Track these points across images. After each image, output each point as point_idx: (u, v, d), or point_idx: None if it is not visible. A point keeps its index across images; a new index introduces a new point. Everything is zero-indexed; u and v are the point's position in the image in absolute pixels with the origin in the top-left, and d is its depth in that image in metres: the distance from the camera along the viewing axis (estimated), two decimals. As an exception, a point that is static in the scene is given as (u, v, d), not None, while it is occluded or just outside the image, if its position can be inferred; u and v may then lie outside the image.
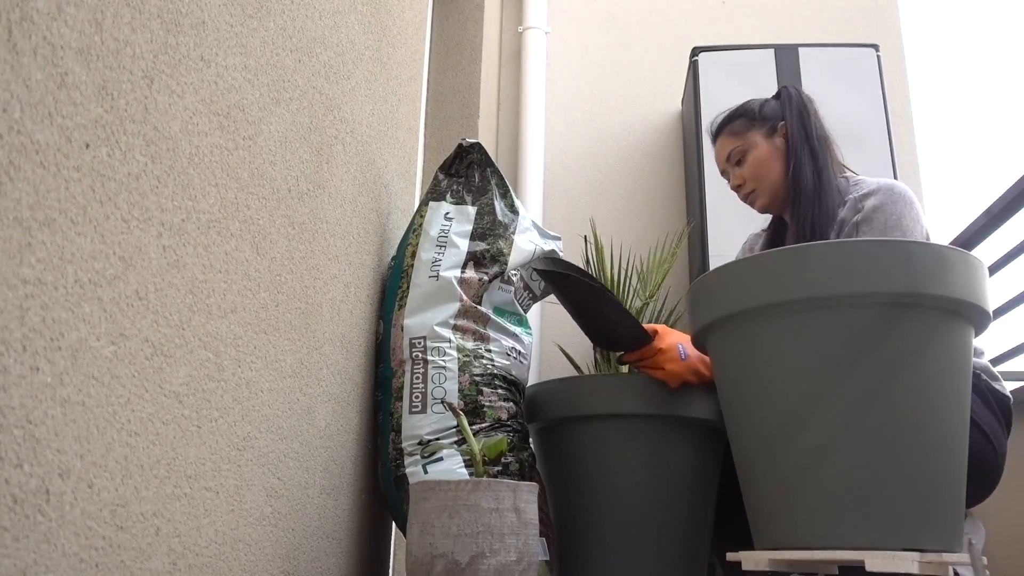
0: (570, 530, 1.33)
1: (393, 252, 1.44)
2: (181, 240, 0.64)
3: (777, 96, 1.62)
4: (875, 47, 2.43)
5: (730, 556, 1.00)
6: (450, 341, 1.23)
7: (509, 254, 1.32)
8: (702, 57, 2.46)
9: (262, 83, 0.80)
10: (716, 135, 1.63)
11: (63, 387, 0.48)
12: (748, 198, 1.58)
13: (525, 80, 2.75)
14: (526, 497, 0.89)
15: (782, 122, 1.54)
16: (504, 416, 1.23)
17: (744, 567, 0.97)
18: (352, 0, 1.15)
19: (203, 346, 0.68)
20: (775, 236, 1.61)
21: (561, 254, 1.43)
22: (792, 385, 0.95)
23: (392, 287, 1.31)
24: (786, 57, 2.38)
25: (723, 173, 1.63)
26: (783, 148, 1.54)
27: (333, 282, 1.06)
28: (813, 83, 2.32)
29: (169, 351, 0.62)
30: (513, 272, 1.33)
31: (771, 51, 2.40)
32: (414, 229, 1.33)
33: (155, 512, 0.60)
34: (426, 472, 1.17)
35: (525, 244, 1.34)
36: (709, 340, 1.09)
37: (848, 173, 1.52)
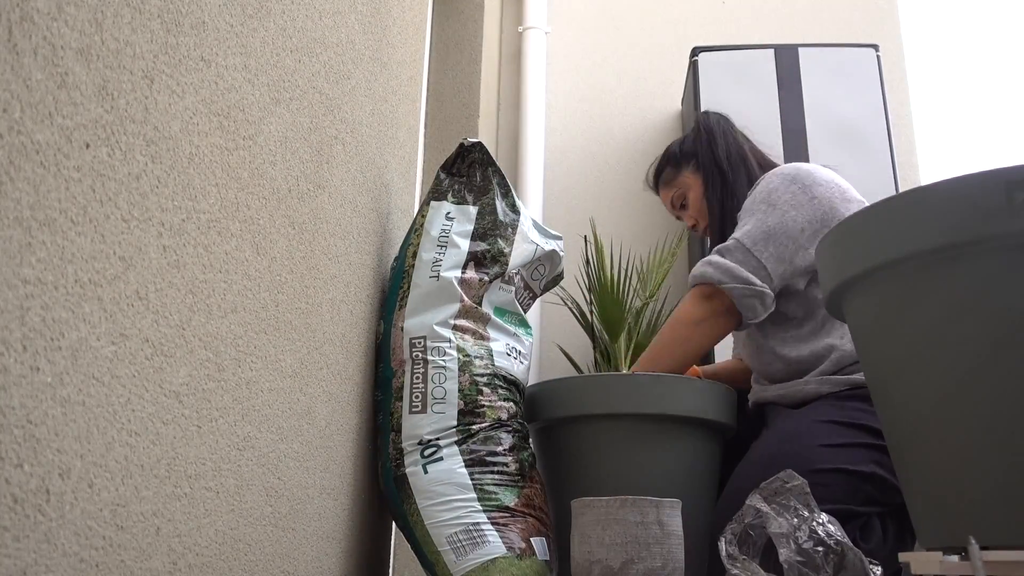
0: (570, 530, 1.33)
1: (394, 252, 1.44)
2: (181, 240, 0.64)
3: (697, 128, 1.66)
4: (875, 47, 2.43)
5: (902, 557, 0.88)
6: (450, 341, 1.23)
7: (510, 254, 1.31)
8: (702, 57, 2.46)
9: (262, 83, 0.80)
10: (656, 188, 1.69)
11: (63, 387, 0.48)
12: (704, 233, 1.63)
13: (525, 80, 2.75)
14: (668, 512, 1.00)
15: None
16: (504, 416, 1.23)
17: (914, 571, 0.85)
18: (352, 0, 1.15)
19: (203, 346, 0.68)
20: None
21: (562, 254, 1.43)
22: (972, 343, 0.79)
23: (394, 287, 1.31)
24: (786, 57, 2.38)
25: (678, 218, 1.69)
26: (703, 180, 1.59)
27: (333, 282, 1.06)
28: (813, 83, 2.32)
29: (169, 351, 0.62)
30: (514, 272, 1.33)
31: (771, 51, 2.40)
32: (415, 229, 1.33)
33: (155, 512, 0.60)
34: (426, 472, 1.17)
35: (526, 244, 1.34)
36: (846, 300, 0.94)
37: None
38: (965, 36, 2.96)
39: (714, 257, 1.38)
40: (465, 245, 1.29)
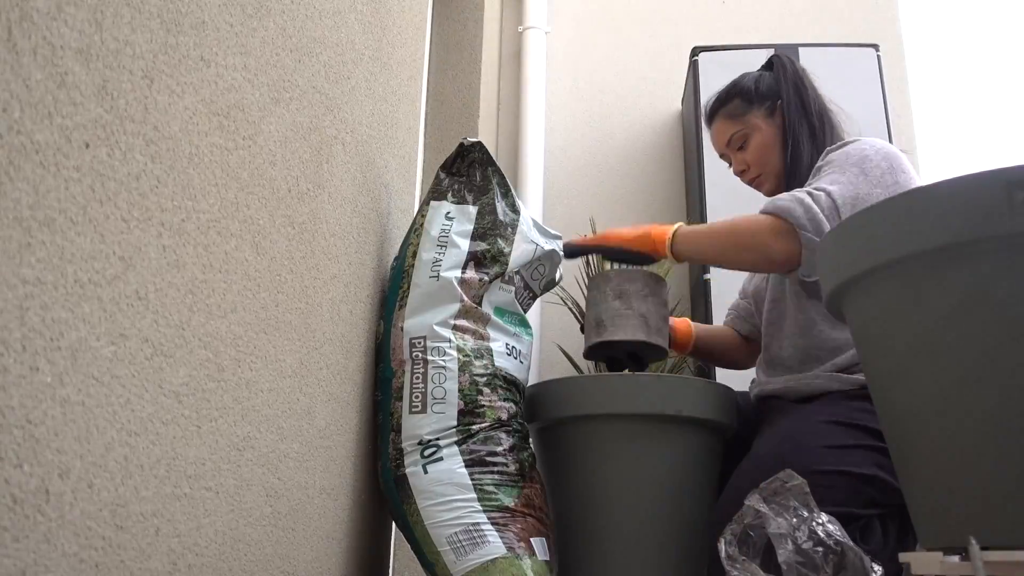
0: (570, 530, 1.33)
1: (394, 252, 1.44)
2: (181, 240, 0.64)
3: (769, 67, 1.53)
4: (875, 47, 2.43)
5: (902, 557, 0.88)
6: (450, 341, 1.23)
7: (510, 254, 1.31)
8: (702, 57, 2.46)
9: (262, 83, 0.80)
10: (711, 117, 1.54)
11: (63, 387, 0.48)
12: (754, 183, 1.51)
13: (525, 80, 2.75)
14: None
15: (780, 100, 1.47)
16: (504, 416, 1.23)
17: (914, 571, 0.85)
18: (352, 0, 1.15)
19: (203, 346, 0.68)
20: None
21: (561, 254, 1.43)
22: (972, 343, 0.79)
23: (394, 287, 1.31)
24: (786, 57, 2.37)
25: (722, 156, 1.55)
26: (782, 126, 1.46)
27: (333, 282, 1.06)
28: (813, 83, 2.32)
29: (169, 351, 0.62)
30: (514, 272, 1.33)
31: (771, 51, 2.39)
32: (415, 229, 1.33)
33: (155, 512, 0.60)
34: (426, 472, 1.17)
35: (526, 244, 1.34)
36: (846, 300, 0.94)
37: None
38: (965, 36, 2.96)
39: (806, 198, 1.26)
40: (465, 245, 1.29)
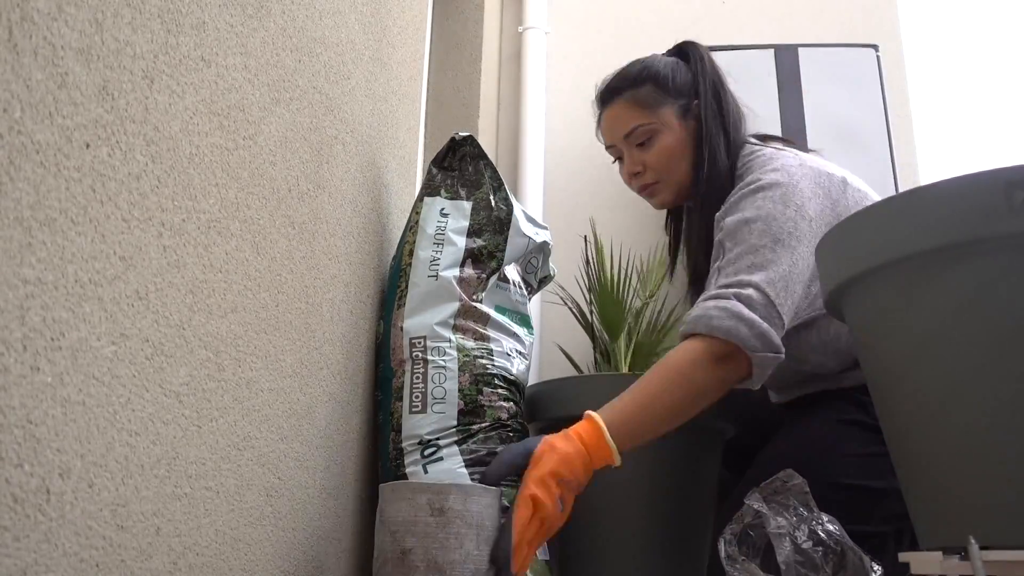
0: (570, 530, 1.33)
1: (393, 251, 1.44)
2: (181, 240, 0.64)
3: (682, 56, 1.33)
4: (875, 47, 2.43)
5: (902, 557, 0.85)
6: (450, 341, 1.23)
7: (505, 250, 1.30)
8: (702, 57, 2.45)
9: (262, 83, 0.80)
10: (611, 96, 1.33)
11: (63, 387, 0.48)
12: (646, 190, 1.33)
13: (525, 80, 2.75)
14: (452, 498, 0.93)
15: (696, 100, 1.29)
16: (504, 416, 1.23)
17: (914, 571, 0.83)
18: (352, 0, 1.15)
19: (203, 346, 0.68)
20: (675, 237, 1.41)
21: (551, 244, 1.42)
22: (972, 343, 0.78)
23: (392, 286, 1.31)
24: (786, 57, 2.38)
25: (610, 148, 1.37)
26: (695, 132, 1.28)
27: (333, 282, 1.06)
28: (813, 83, 2.32)
29: (169, 351, 0.62)
30: (510, 267, 1.33)
31: (771, 51, 2.40)
32: (411, 227, 1.32)
33: (155, 512, 0.60)
34: (426, 472, 1.17)
35: (519, 237, 1.33)
36: (846, 300, 0.92)
37: (766, 148, 1.28)
38: (965, 36, 2.96)
39: (740, 308, 1.08)
40: (462, 242, 1.28)
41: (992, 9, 2.96)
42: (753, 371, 1.10)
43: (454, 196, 1.33)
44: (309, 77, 0.95)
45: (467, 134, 1.37)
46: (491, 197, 1.33)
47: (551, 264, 1.46)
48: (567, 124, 2.81)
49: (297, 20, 0.91)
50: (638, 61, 1.34)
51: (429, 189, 1.34)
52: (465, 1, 2.73)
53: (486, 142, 2.68)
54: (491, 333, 1.28)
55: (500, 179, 1.36)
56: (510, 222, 1.32)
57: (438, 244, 1.27)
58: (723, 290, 1.12)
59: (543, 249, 1.40)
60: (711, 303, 1.11)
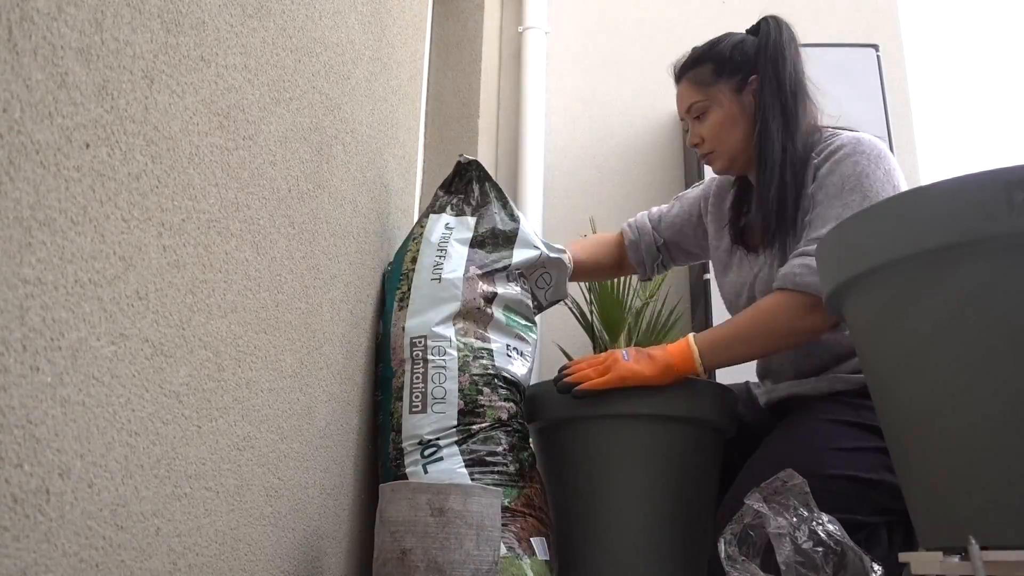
0: (570, 530, 1.33)
1: (393, 251, 1.45)
2: (181, 240, 0.64)
3: (753, 32, 1.42)
4: (875, 47, 2.43)
5: (902, 557, 0.87)
6: (450, 341, 1.23)
7: (511, 255, 1.33)
8: (702, 57, 2.45)
9: (262, 83, 0.80)
10: (680, 77, 1.42)
11: (63, 387, 0.48)
12: (706, 158, 1.42)
13: (525, 80, 2.75)
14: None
15: (753, 76, 1.35)
16: (504, 416, 1.23)
17: (914, 571, 0.85)
18: (352, 0, 1.15)
19: (203, 346, 0.68)
20: (740, 201, 1.46)
21: (570, 266, 1.44)
22: (972, 343, 0.79)
23: (391, 289, 1.31)
24: (786, 57, 2.37)
25: (683, 121, 1.46)
26: (751, 106, 1.35)
27: (333, 282, 1.06)
28: (813, 83, 2.32)
29: (169, 351, 0.62)
30: (517, 272, 1.34)
31: (771, 51, 2.39)
32: (414, 237, 1.36)
33: (155, 512, 0.60)
34: (426, 472, 1.17)
35: (527, 248, 1.36)
36: (846, 300, 0.94)
37: (826, 130, 1.35)
38: (965, 36, 2.96)
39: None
40: (464, 251, 1.31)
41: (992, 9, 2.96)
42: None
43: (459, 213, 1.37)
44: (309, 77, 0.95)
45: (472, 158, 1.41)
46: (496, 213, 1.37)
47: (567, 287, 1.48)
48: (567, 124, 2.81)
49: (297, 20, 0.91)
50: (709, 40, 1.42)
51: (434, 208, 1.39)
52: (465, 1, 2.73)
53: (486, 142, 2.68)
54: (492, 334, 1.28)
55: (506, 197, 1.40)
56: (517, 234, 1.35)
57: (441, 251, 1.30)
58: (809, 247, 1.22)
59: (557, 266, 1.41)
60: (797, 261, 1.23)
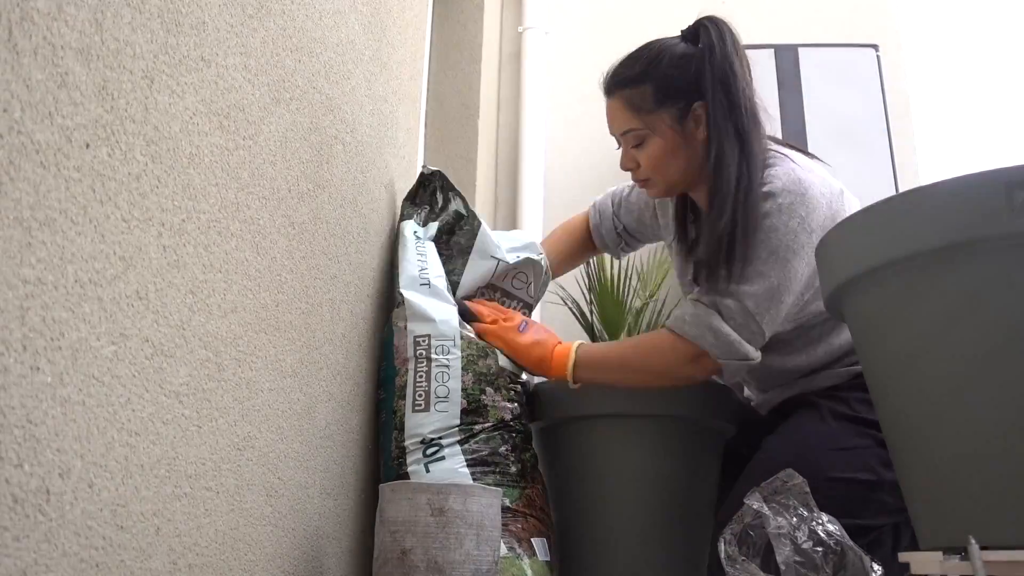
0: (570, 530, 1.33)
1: (394, 251, 1.45)
2: (181, 240, 0.64)
3: (691, 39, 1.26)
4: (875, 47, 2.43)
5: (902, 557, 0.87)
6: (454, 340, 1.23)
7: (461, 275, 1.33)
8: (702, 57, 2.45)
9: (262, 83, 0.80)
10: (611, 92, 1.30)
11: (63, 387, 0.48)
12: (641, 184, 1.34)
13: (525, 80, 2.75)
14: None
15: (699, 102, 1.22)
16: (507, 416, 1.23)
17: (914, 571, 0.85)
18: (352, 0, 1.15)
19: (203, 346, 0.68)
20: (682, 213, 1.39)
21: (538, 258, 1.42)
22: (972, 343, 0.79)
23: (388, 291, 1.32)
24: (786, 57, 2.38)
25: (613, 136, 1.34)
26: (694, 132, 1.24)
27: (333, 282, 1.06)
28: (813, 83, 2.32)
29: (169, 351, 0.62)
30: (477, 290, 1.35)
31: (771, 51, 2.40)
32: (396, 247, 1.37)
33: (155, 512, 0.60)
34: (428, 471, 1.17)
35: (484, 261, 1.35)
36: (846, 300, 0.93)
37: (770, 153, 1.25)
38: (965, 36, 2.96)
39: (713, 320, 1.18)
40: (437, 259, 1.32)
41: (992, 9, 2.96)
42: (723, 371, 1.23)
43: (425, 223, 1.37)
44: (309, 77, 0.95)
45: (435, 169, 1.41)
46: (455, 223, 1.36)
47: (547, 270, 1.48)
48: (567, 124, 2.81)
49: (297, 20, 0.91)
50: (644, 53, 1.29)
51: (403, 217, 1.39)
52: (465, 1, 2.73)
53: (486, 142, 2.68)
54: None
55: (468, 206, 1.39)
56: (472, 249, 1.35)
57: (421, 256, 1.31)
58: (707, 298, 1.21)
59: (530, 265, 1.40)
60: (689, 310, 1.23)
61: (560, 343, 1.29)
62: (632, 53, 1.31)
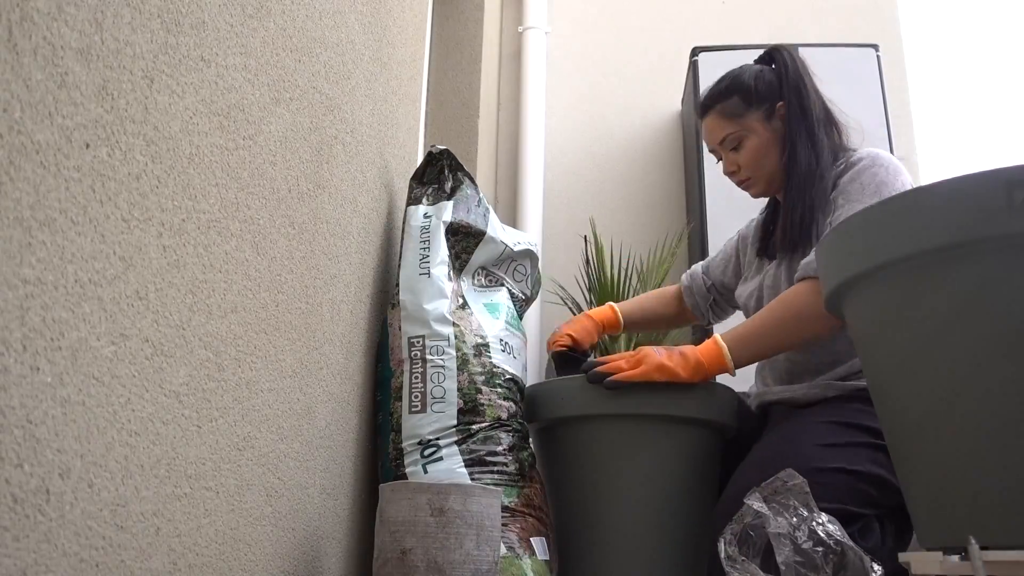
0: (570, 530, 1.33)
1: (394, 251, 1.45)
2: (181, 240, 0.64)
3: (769, 61, 1.48)
4: (875, 47, 2.43)
5: (902, 557, 0.89)
6: (448, 340, 1.23)
7: (474, 252, 1.35)
8: (702, 57, 2.46)
9: (262, 83, 0.80)
10: (706, 111, 1.48)
11: (63, 387, 0.48)
12: (743, 184, 1.48)
13: (525, 80, 2.75)
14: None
15: (780, 103, 1.42)
16: (504, 415, 1.23)
17: (914, 571, 0.86)
18: (352, 0, 1.15)
19: (203, 346, 0.68)
20: (770, 219, 1.51)
21: (537, 253, 1.46)
22: (972, 343, 0.79)
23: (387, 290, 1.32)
24: (786, 57, 2.37)
25: (712, 152, 1.51)
26: (781, 131, 1.42)
27: (333, 282, 1.06)
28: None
29: (169, 351, 0.62)
30: (482, 270, 1.37)
31: (771, 51, 2.40)
32: (401, 235, 1.36)
33: (155, 512, 0.60)
34: (426, 472, 1.17)
35: (492, 244, 1.37)
36: (846, 300, 0.95)
37: (851, 151, 1.41)
38: (965, 36, 2.96)
39: None
40: (444, 242, 1.31)
41: (992, 9, 2.96)
42: None
43: (436, 201, 1.37)
44: (309, 77, 0.95)
45: (443, 148, 1.41)
46: (471, 199, 1.37)
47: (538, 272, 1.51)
48: (567, 124, 2.81)
49: (297, 20, 0.91)
50: (728, 75, 1.48)
51: (411, 200, 1.39)
52: (465, 1, 2.73)
53: (486, 142, 2.68)
54: (485, 329, 1.29)
55: (476, 186, 1.41)
56: (485, 231, 1.36)
57: (424, 241, 1.30)
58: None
59: (529, 256, 1.44)
60: (810, 256, 1.26)
61: (694, 346, 1.31)
62: (714, 82, 1.50)
